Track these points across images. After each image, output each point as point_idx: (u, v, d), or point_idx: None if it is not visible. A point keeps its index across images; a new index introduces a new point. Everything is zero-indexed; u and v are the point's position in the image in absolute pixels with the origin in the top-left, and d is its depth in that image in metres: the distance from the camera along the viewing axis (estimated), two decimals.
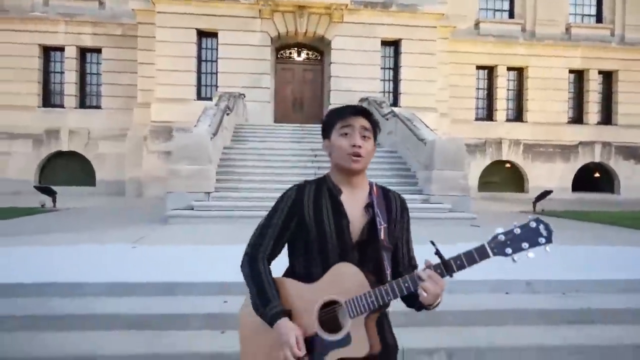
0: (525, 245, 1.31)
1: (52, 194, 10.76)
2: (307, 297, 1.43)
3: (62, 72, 16.67)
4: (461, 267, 1.34)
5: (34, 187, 12.36)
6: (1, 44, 15.92)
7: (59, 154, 16.26)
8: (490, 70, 18.32)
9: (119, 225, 7.29)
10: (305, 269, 1.50)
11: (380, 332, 1.44)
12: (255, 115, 14.31)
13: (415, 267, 1.59)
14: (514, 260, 1.32)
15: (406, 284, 1.36)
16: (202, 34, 14.97)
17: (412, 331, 2.94)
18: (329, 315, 1.42)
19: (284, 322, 1.39)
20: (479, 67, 18.10)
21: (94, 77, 16.97)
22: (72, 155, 16.26)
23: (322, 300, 1.41)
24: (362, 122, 1.51)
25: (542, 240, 1.30)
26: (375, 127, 1.54)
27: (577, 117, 18.69)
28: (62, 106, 16.47)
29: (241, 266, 1.53)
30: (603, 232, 7.64)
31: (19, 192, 14.84)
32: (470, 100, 18.03)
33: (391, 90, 15.89)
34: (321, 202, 1.52)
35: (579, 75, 18.65)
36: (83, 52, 16.67)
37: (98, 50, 16.57)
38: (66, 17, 16.10)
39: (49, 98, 16.71)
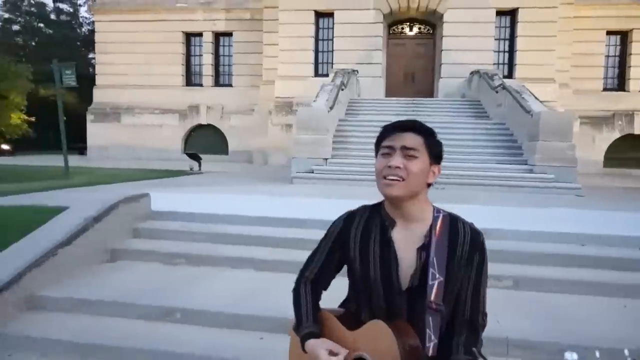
0: None
1: (198, 159, 12.97)
2: (344, 343, 1.32)
3: (200, 55, 19.21)
4: None
5: (185, 153, 14.86)
6: (152, 32, 18.81)
7: (199, 127, 18.94)
8: (624, 36, 16.80)
9: (253, 183, 8.88)
10: (356, 308, 1.40)
11: None
12: (367, 90, 15.20)
13: (475, 328, 1.30)
14: None
15: None
16: (319, 15, 16.14)
17: None
18: None
19: (313, 341, 1.32)
20: (609, 33, 16.72)
21: (226, 59, 19.25)
22: (209, 127, 18.82)
23: (357, 355, 1.29)
24: (406, 140, 1.30)
25: None
26: (431, 145, 1.31)
27: None
28: (200, 85, 19.07)
29: (293, 289, 1.48)
30: None
31: (169, 158, 17.74)
32: (598, 69, 16.82)
33: (505, 61, 15.58)
34: (369, 237, 1.33)
35: None
36: (217, 36, 18.98)
37: (229, 34, 18.74)
38: (204, 5, 18.44)
39: (190, 78, 19.42)
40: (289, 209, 5.44)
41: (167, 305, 3.27)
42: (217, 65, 19.22)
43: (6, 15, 34.00)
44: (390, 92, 16.05)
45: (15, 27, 34.41)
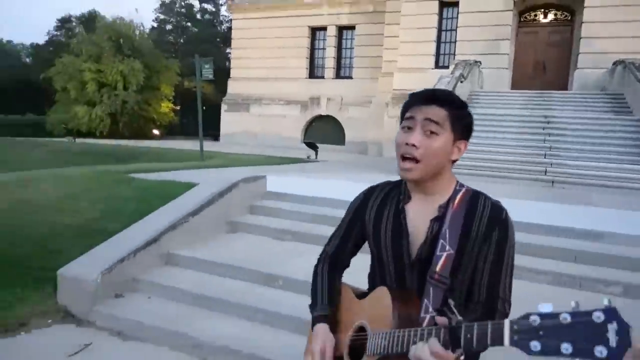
0: (567, 348, 0.72)
1: (315, 148, 13.67)
2: (352, 312, 1.30)
3: (323, 49, 19.99)
4: (469, 344, 0.88)
5: (304, 142, 15.73)
6: (281, 28, 20.04)
7: (318, 117, 19.80)
8: None
9: (362, 172, 9.16)
10: (372, 278, 1.38)
11: None
12: (490, 82, 14.46)
13: (491, 315, 1.15)
14: None
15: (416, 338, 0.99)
16: (443, 4, 15.71)
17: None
18: (360, 341, 1.22)
19: (318, 327, 1.30)
20: None
21: (347, 51, 19.76)
22: (328, 118, 19.56)
23: (358, 323, 1.25)
24: (430, 112, 1.17)
25: (601, 351, 0.70)
26: (455, 118, 1.18)
27: None
28: (322, 77, 19.87)
29: None
30: None
31: (290, 146, 18.86)
32: None
33: None
34: (384, 210, 1.29)
35: None
36: (340, 29, 19.56)
37: (352, 27, 19.18)
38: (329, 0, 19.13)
39: (313, 71, 20.35)
40: None
41: (271, 273, 3.72)
42: (339, 57, 19.84)
43: (162, 17, 38.88)
44: (516, 84, 15.04)
45: (168, 27, 39.19)
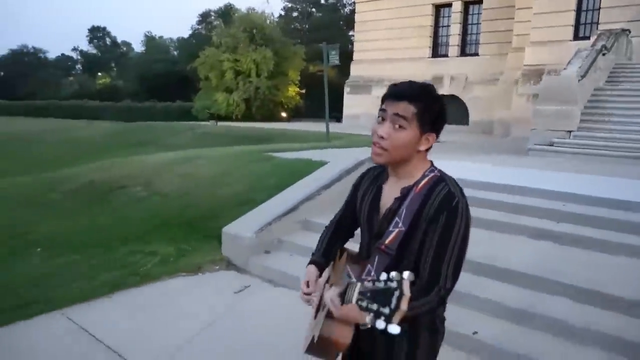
0: (372, 306, 1.01)
1: None
2: (336, 272, 1.52)
3: (447, 26, 19.43)
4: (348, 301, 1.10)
5: None
6: (404, 8, 19.90)
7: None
8: None
9: (485, 153, 9.07)
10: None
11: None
12: None
13: (431, 286, 1.26)
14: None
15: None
16: None
17: None
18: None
19: (308, 268, 1.55)
20: None
21: (473, 27, 18.96)
22: (451, 98, 19.10)
23: (332, 280, 1.49)
24: (398, 107, 1.30)
25: (383, 311, 0.99)
26: (423, 113, 1.30)
27: None
28: (446, 55, 19.40)
29: None
30: None
31: None
32: None
33: None
34: (369, 188, 1.49)
35: None
36: (467, 5, 18.81)
37: (479, 1, 18.31)
38: None
39: (436, 49, 19.94)
40: (509, 177, 5.64)
41: None
42: (464, 34, 19.15)
43: (289, 5, 40.89)
44: None
45: (294, 14, 41.10)
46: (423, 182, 1.34)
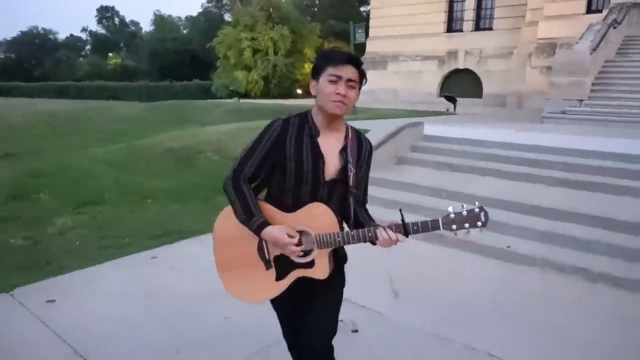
0: (466, 225, 1.60)
1: (454, 101, 14.45)
2: (286, 223, 1.65)
3: (462, 1, 19.93)
4: (416, 232, 1.61)
5: (443, 95, 16.49)
6: None
7: (455, 71, 20.11)
8: None
9: (503, 122, 9.87)
10: (278, 197, 1.69)
11: (336, 254, 1.74)
12: None
13: (365, 202, 1.84)
14: (455, 234, 1.63)
15: (370, 234, 1.62)
16: None
17: None
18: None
19: (270, 229, 1.63)
20: None
21: (488, 2, 19.46)
22: (465, 71, 19.77)
23: (300, 229, 1.65)
24: (350, 72, 1.60)
25: (479, 224, 1.60)
26: (363, 76, 1.65)
27: None
28: (460, 30, 19.97)
29: (225, 184, 1.69)
30: None
31: (426, 101, 19.63)
32: None
33: None
34: (302, 141, 1.65)
35: None
36: None
37: None
38: None
39: (451, 24, 20.49)
40: (528, 139, 6.56)
41: (438, 187, 5.17)
42: (478, 9, 19.67)
43: None
44: None
45: None
46: (350, 134, 1.73)
